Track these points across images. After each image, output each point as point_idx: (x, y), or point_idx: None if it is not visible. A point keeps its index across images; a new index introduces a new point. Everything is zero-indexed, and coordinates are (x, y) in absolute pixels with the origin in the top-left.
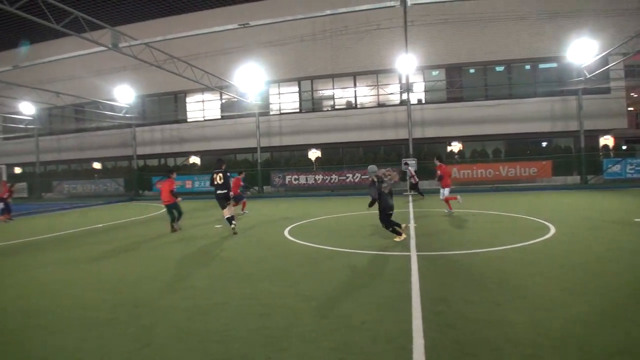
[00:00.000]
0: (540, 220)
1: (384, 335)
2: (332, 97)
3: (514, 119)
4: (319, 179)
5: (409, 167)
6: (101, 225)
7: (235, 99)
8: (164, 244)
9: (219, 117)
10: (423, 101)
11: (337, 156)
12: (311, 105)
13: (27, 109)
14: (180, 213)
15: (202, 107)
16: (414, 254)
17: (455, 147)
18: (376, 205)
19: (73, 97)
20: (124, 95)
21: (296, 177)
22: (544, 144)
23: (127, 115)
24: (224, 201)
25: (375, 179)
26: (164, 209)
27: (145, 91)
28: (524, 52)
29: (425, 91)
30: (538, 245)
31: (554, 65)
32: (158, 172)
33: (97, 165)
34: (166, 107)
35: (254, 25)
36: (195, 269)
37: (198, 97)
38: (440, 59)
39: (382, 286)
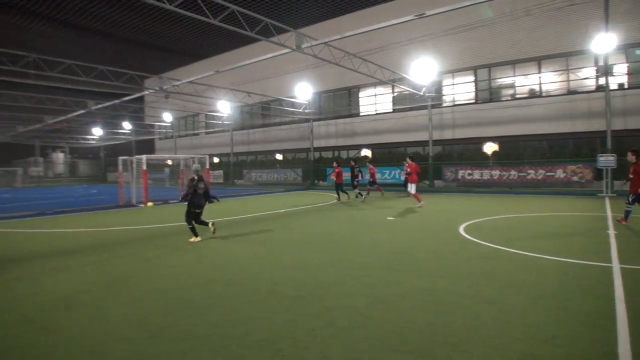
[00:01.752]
0: None
1: (581, 354)
2: (513, 86)
3: None
4: (495, 174)
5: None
6: (283, 210)
7: (407, 92)
8: (338, 231)
9: (391, 110)
10: (625, 86)
11: (517, 150)
12: (488, 95)
13: (224, 107)
14: (343, 189)
15: (374, 101)
16: (616, 266)
17: None
18: None
19: (261, 96)
20: (303, 92)
21: (470, 172)
22: None
23: (305, 110)
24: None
25: (196, 177)
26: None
27: (321, 88)
28: None
29: (628, 74)
30: None
31: None
32: (332, 163)
33: (279, 156)
34: (340, 102)
35: (429, 15)
36: (370, 259)
37: (370, 91)
38: None
39: (577, 299)
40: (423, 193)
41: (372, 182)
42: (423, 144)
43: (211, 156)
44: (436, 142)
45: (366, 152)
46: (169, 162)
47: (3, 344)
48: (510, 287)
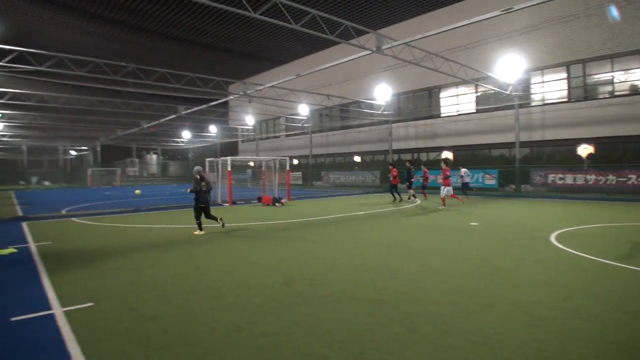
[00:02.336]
0: None
1: None
2: (611, 82)
3: None
4: (590, 179)
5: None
6: (362, 212)
7: (492, 91)
8: (418, 235)
9: (474, 110)
10: None
11: (616, 153)
12: (582, 92)
13: (303, 110)
14: (397, 190)
15: (455, 102)
16: None
17: None
18: None
19: (340, 98)
20: (382, 94)
21: (561, 176)
22: None
23: (384, 112)
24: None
25: (198, 177)
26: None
27: (400, 89)
28: None
29: None
30: None
31: None
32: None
33: (357, 158)
34: (420, 103)
35: (517, 9)
36: (454, 265)
37: (452, 91)
38: None
39: None
40: (509, 198)
41: (424, 186)
42: (509, 145)
43: (291, 158)
44: (523, 144)
45: (447, 154)
46: (251, 163)
47: (107, 329)
48: (608, 301)
